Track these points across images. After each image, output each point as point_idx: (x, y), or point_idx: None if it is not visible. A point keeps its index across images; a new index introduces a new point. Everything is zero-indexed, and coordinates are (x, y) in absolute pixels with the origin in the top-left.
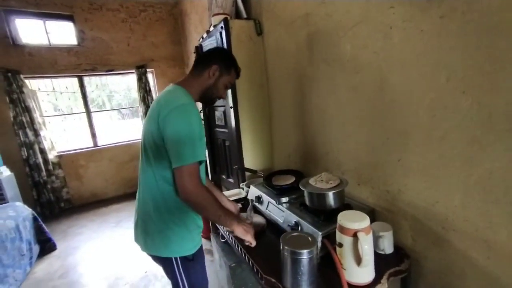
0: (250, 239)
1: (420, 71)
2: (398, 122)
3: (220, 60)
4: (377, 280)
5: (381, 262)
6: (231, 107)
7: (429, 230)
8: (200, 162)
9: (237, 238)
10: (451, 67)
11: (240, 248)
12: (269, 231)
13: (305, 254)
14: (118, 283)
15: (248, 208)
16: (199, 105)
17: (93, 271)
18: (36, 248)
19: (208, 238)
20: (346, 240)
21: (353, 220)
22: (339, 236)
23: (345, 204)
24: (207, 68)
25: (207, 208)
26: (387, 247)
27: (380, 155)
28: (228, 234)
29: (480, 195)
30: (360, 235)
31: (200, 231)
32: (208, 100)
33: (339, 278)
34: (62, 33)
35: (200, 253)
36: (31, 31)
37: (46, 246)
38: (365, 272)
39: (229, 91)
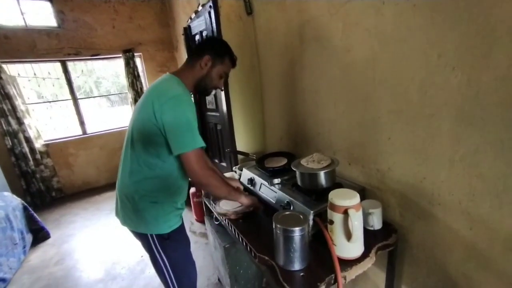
0: (258, 205)
1: (412, 48)
2: (389, 101)
3: (212, 50)
4: (366, 254)
5: (370, 237)
6: (222, 90)
7: (416, 205)
8: (202, 148)
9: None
10: (443, 43)
11: (234, 229)
12: (261, 212)
13: (297, 232)
14: (115, 267)
15: None
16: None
17: (89, 257)
18: (29, 237)
19: (202, 221)
20: (337, 217)
21: (343, 198)
22: (330, 214)
23: (336, 183)
24: (199, 59)
25: (218, 186)
26: (376, 223)
27: (371, 134)
28: (222, 217)
29: (465, 169)
30: (350, 211)
31: (178, 213)
32: (203, 91)
33: (330, 253)
34: (40, 14)
35: (178, 234)
36: (3, 11)
37: (39, 235)
38: (355, 247)
39: None
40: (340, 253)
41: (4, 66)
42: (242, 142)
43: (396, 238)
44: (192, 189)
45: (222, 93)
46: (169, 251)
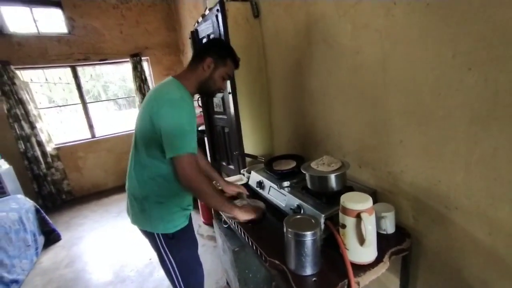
0: (254, 217)
1: (424, 47)
2: (400, 102)
3: (214, 52)
4: (379, 259)
5: (383, 241)
6: (229, 93)
7: (430, 209)
8: (193, 154)
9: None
10: (458, 42)
11: (244, 233)
12: (271, 215)
13: (308, 236)
14: (124, 270)
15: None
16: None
17: (98, 259)
18: (41, 239)
19: (210, 224)
20: (349, 221)
21: (356, 201)
22: (342, 217)
23: (346, 187)
24: (201, 62)
25: (211, 195)
26: (389, 227)
27: (382, 137)
28: (231, 220)
29: (483, 172)
30: (363, 215)
31: (184, 214)
32: (206, 93)
33: (343, 258)
34: (51, 21)
35: (184, 234)
36: (18, 19)
37: (50, 237)
38: (368, 252)
39: None
40: (353, 258)
41: (17, 72)
42: (250, 144)
43: (410, 243)
44: None
45: (230, 96)
46: (174, 251)
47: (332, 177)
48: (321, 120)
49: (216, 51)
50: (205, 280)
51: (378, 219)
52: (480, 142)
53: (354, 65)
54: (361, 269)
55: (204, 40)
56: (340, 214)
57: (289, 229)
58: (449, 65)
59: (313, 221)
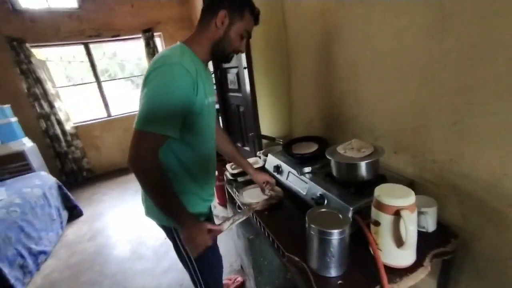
0: (191, 251)
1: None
2: (460, 74)
3: (228, 3)
4: (418, 262)
5: (422, 241)
6: (245, 68)
7: (487, 207)
8: (167, 137)
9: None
10: None
11: (259, 222)
12: (290, 204)
13: (335, 235)
14: (141, 248)
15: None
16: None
17: (117, 235)
18: (64, 214)
19: (225, 205)
20: (385, 219)
21: (394, 196)
22: (375, 213)
23: (379, 175)
24: (213, 17)
25: (157, 187)
26: (430, 224)
27: (429, 118)
28: (245, 207)
29: None
30: (404, 213)
31: (205, 206)
32: (222, 57)
33: (374, 259)
34: None
35: None
36: None
37: (73, 212)
38: (406, 255)
39: None
40: (387, 260)
41: (33, 50)
42: (267, 124)
43: (457, 245)
44: None
45: (245, 71)
46: None
47: (363, 164)
48: (350, 97)
49: (231, 1)
50: None
51: (417, 215)
52: None
53: (399, 29)
54: (396, 273)
55: None
56: (373, 209)
57: (312, 225)
58: None
59: (341, 216)
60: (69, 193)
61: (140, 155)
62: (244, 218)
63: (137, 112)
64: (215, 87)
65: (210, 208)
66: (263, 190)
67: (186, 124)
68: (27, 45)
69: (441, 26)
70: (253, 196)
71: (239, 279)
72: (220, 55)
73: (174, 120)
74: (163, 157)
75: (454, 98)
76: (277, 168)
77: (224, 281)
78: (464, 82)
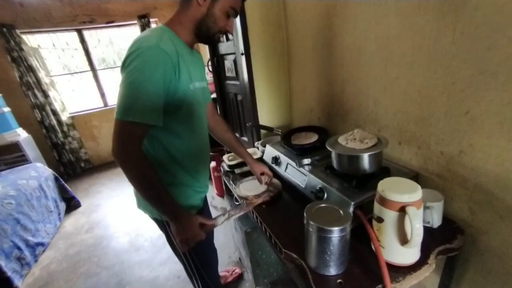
0: (180, 244)
1: None
2: (474, 59)
3: None
4: (423, 260)
5: (427, 237)
6: (242, 54)
7: (499, 202)
8: (148, 126)
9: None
10: None
11: (256, 216)
12: (288, 197)
13: (335, 232)
14: (138, 239)
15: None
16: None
17: (115, 226)
18: (62, 205)
19: (223, 196)
20: (389, 215)
21: (399, 191)
22: (378, 209)
23: (382, 167)
24: None
25: (139, 179)
26: (436, 220)
27: (438, 107)
28: (242, 200)
29: None
30: (409, 210)
31: (198, 197)
32: (207, 37)
33: (376, 257)
34: None
35: None
36: None
37: (71, 204)
38: (410, 252)
39: (240, 35)
40: (389, 258)
41: (24, 37)
42: (266, 113)
43: (463, 241)
44: (212, 163)
45: (243, 58)
46: None
47: (366, 156)
48: (352, 85)
49: None
50: (218, 253)
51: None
52: None
53: (410, 8)
54: (399, 271)
55: None
56: (376, 205)
57: (311, 222)
58: None
59: (341, 212)
60: (66, 185)
61: (123, 146)
62: (242, 213)
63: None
64: (211, 75)
65: (204, 200)
66: (260, 181)
67: (170, 112)
68: (18, 31)
69: (454, 3)
70: (250, 188)
71: (237, 271)
72: (205, 36)
73: (155, 107)
74: (149, 148)
75: (468, 84)
76: (276, 160)
77: (222, 273)
78: (480, 67)
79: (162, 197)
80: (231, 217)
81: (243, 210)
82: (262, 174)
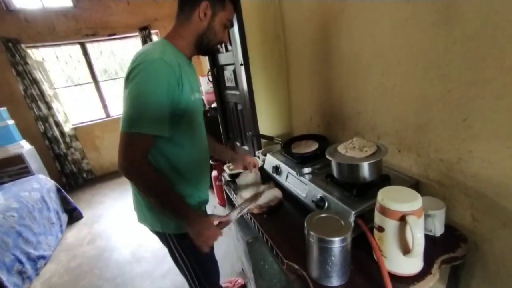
0: (202, 245)
1: None
2: (473, 68)
3: None
4: (426, 269)
5: (430, 246)
6: (241, 65)
7: (502, 209)
8: (155, 136)
9: (253, 214)
10: None
11: (257, 227)
12: (288, 205)
13: (336, 242)
14: (140, 250)
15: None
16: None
17: (117, 238)
18: (64, 217)
19: (224, 206)
20: (390, 224)
21: (400, 200)
22: (379, 219)
23: (382, 176)
24: (195, 9)
25: (150, 190)
26: (438, 228)
27: (436, 114)
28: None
29: None
30: (410, 219)
31: (197, 207)
32: (207, 49)
33: (379, 267)
34: None
35: None
36: None
37: (73, 215)
38: (413, 262)
39: (239, 46)
40: (392, 268)
41: (29, 51)
42: (266, 123)
43: (467, 250)
44: (214, 173)
45: (242, 68)
46: (189, 252)
47: (365, 165)
48: (351, 93)
49: None
50: (221, 263)
51: (424, 218)
52: None
53: (403, 18)
54: (402, 282)
55: None
56: (377, 214)
57: (312, 232)
58: None
59: (342, 222)
60: (68, 196)
61: (131, 159)
62: (253, 205)
63: (121, 115)
64: (211, 85)
65: (204, 210)
66: (248, 169)
67: (173, 122)
68: (23, 45)
69: (445, 15)
70: (247, 180)
71: (240, 281)
72: (205, 48)
73: (162, 118)
74: (151, 159)
75: (465, 91)
76: (276, 169)
77: (224, 284)
78: (475, 75)
79: (176, 203)
80: (244, 210)
81: (254, 201)
82: (248, 163)
